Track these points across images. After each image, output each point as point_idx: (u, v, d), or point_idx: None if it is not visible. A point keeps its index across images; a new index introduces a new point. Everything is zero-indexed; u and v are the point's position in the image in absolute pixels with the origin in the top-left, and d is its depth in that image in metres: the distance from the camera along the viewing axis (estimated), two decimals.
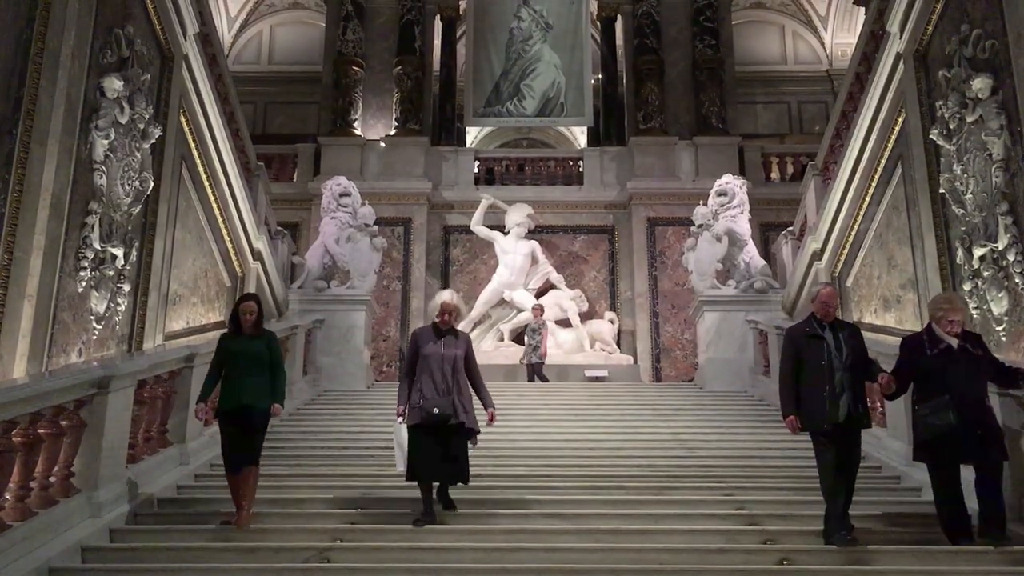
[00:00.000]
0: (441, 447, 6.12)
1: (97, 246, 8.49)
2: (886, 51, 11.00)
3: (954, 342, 5.58)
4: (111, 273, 8.83)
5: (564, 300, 16.26)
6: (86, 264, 8.31)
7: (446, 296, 6.44)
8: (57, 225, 7.81)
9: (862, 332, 6.15)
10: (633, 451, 8.60)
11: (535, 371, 13.75)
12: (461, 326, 16.17)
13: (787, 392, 5.96)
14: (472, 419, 6.23)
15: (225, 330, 6.71)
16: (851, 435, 5.77)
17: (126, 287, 9.18)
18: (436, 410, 6.05)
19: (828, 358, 5.76)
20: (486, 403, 6.41)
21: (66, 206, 7.97)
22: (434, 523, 5.99)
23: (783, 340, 6.32)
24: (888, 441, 7.90)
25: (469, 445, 6.37)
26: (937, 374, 5.54)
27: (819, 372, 5.75)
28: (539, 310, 14.72)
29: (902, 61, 10.44)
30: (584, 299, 16.66)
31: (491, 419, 6.42)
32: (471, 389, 6.37)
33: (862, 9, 19.08)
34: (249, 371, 6.26)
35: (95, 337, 8.64)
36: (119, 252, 8.90)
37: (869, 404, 6.21)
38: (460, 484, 6.34)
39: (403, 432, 6.28)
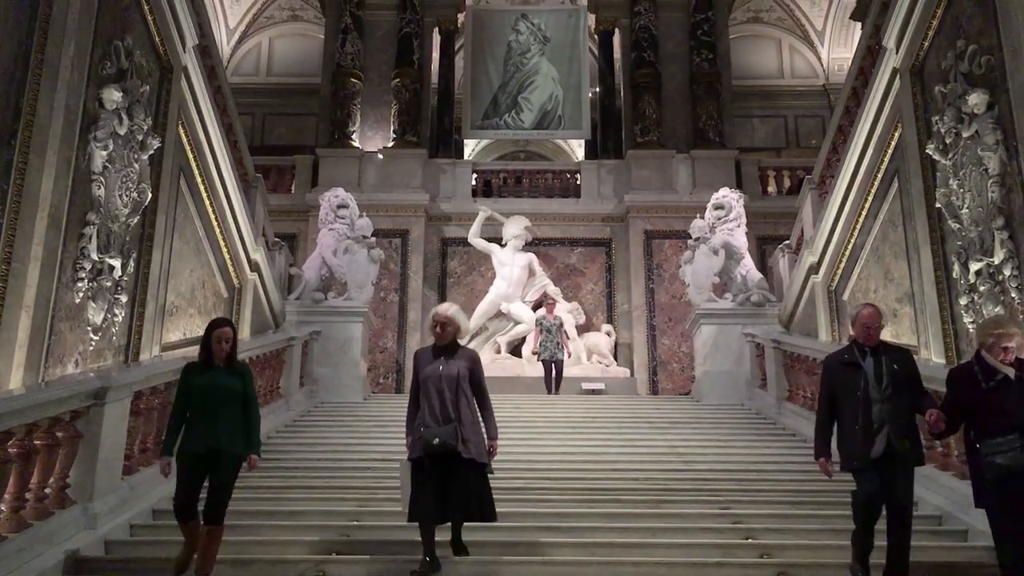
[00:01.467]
0: (447, 483, 5.36)
1: (95, 257, 8.49)
2: (882, 66, 11.06)
3: (1011, 372, 4.85)
4: (108, 284, 8.82)
5: (561, 312, 16.26)
6: (83, 275, 8.30)
7: (440, 307, 5.80)
8: (55, 236, 7.81)
9: (914, 358, 5.53)
10: (630, 464, 8.59)
11: (556, 367, 13.98)
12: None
13: (820, 429, 5.43)
14: (479, 451, 5.45)
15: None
16: (893, 473, 5.09)
17: (123, 298, 9.17)
18: (436, 440, 5.33)
19: (864, 388, 5.16)
20: (489, 432, 5.61)
21: (64, 217, 7.97)
22: (437, 572, 5.31)
23: (822, 369, 5.71)
24: None
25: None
26: (997, 409, 4.80)
27: (854, 404, 5.18)
28: (552, 305, 14.80)
29: (898, 76, 10.49)
30: (581, 311, 16.71)
31: (491, 452, 5.58)
32: (477, 415, 5.59)
33: (858, 24, 19.21)
34: (222, 410, 5.39)
35: (92, 348, 8.63)
36: (116, 263, 8.90)
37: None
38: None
39: (407, 470, 5.50)
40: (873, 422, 5.09)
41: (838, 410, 5.31)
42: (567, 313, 16.29)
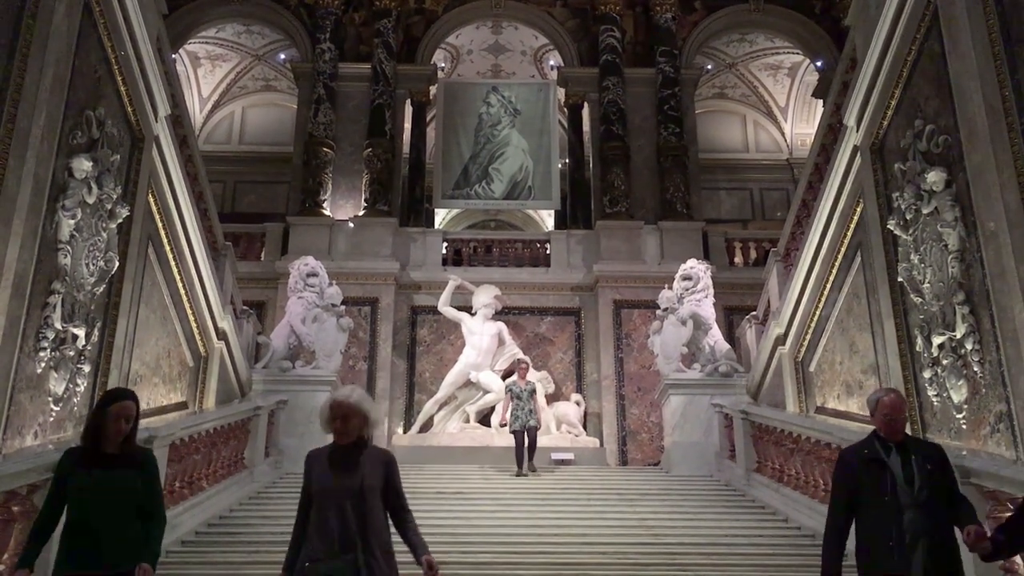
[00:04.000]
0: None
1: (58, 326, 8.37)
2: (843, 144, 11.34)
3: None
4: (71, 353, 8.69)
5: (534, 377, 16.20)
6: (46, 344, 8.17)
7: (341, 392, 4.20)
8: (18, 305, 7.70)
9: (949, 457, 4.49)
10: (599, 538, 8.51)
11: (529, 435, 12.38)
12: (427, 407, 16.39)
13: (832, 540, 4.39)
14: None
15: (74, 444, 4.45)
16: None
17: (86, 367, 9.03)
18: None
19: (893, 491, 4.20)
20: (417, 551, 4.06)
21: (28, 286, 7.86)
22: None
23: (836, 465, 4.66)
24: None
25: None
26: None
27: (881, 510, 4.20)
28: (525, 370, 13.54)
29: (859, 153, 10.73)
30: (550, 381, 16.67)
31: (430, 569, 3.99)
32: (390, 540, 4.03)
33: (820, 101, 19.79)
34: (110, 516, 4.04)
35: (52, 419, 8.45)
36: (80, 332, 8.78)
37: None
38: None
39: None
40: (905, 533, 4.12)
41: (859, 517, 4.34)
42: (536, 382, 16.16)
